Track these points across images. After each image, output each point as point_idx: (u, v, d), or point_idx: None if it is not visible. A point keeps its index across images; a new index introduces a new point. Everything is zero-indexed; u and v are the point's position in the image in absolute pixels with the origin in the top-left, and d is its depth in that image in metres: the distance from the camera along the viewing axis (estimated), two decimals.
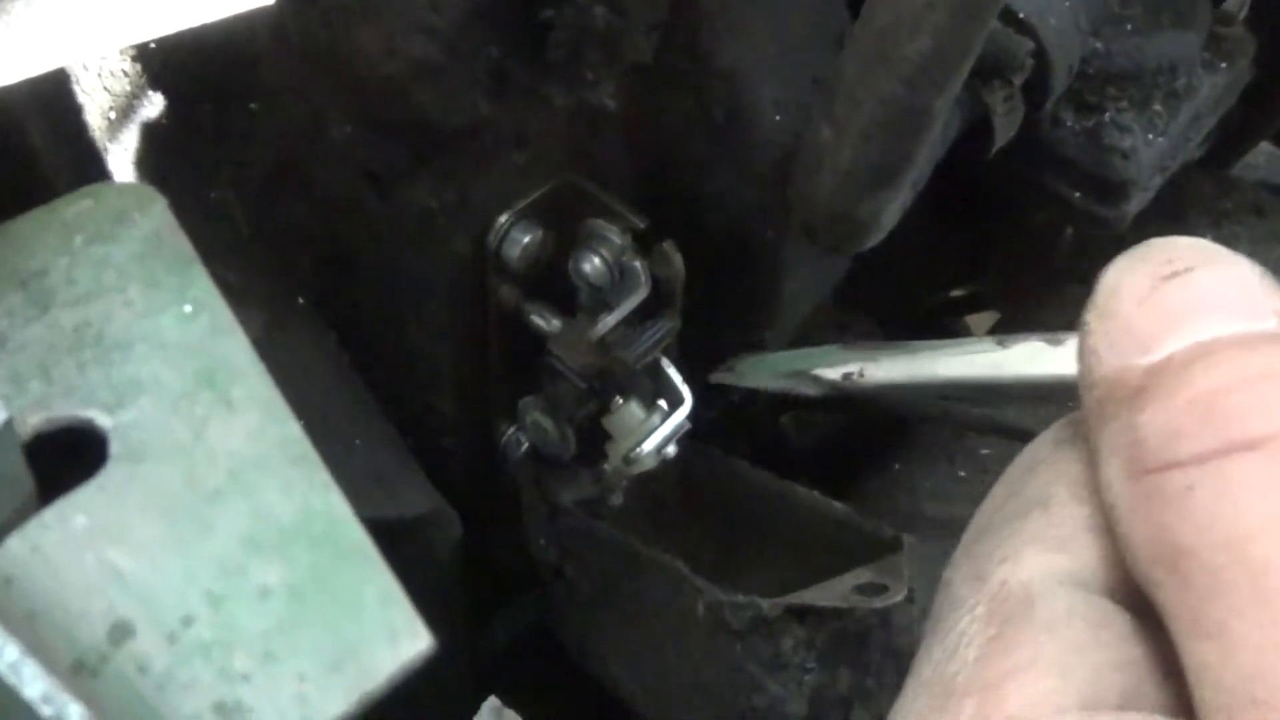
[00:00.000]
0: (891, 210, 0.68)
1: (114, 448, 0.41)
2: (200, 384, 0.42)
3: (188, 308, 0.44)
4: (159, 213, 0.46)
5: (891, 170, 0.64)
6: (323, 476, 0.41)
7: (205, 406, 0.42)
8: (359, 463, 0.74)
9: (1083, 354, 0.35)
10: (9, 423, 0.39)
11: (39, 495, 0.41)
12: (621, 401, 0.76)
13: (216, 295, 0.44)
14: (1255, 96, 0.98)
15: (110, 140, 0.71)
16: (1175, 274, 0.34)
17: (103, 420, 0.41)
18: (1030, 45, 0.78)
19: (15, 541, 0.39)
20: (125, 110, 0.70)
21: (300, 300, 0.76)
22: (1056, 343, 0.61)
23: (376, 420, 0.77)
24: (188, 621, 0.38)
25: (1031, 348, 0.62)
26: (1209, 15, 0.91)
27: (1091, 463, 0.35)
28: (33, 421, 0.41)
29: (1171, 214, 1.00)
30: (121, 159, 0.71)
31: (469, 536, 0.78)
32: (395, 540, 0.73)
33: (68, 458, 0.42)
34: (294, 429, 0.42)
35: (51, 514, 0.39)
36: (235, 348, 0.43)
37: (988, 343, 0.65)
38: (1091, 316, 0.35)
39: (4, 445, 0.39)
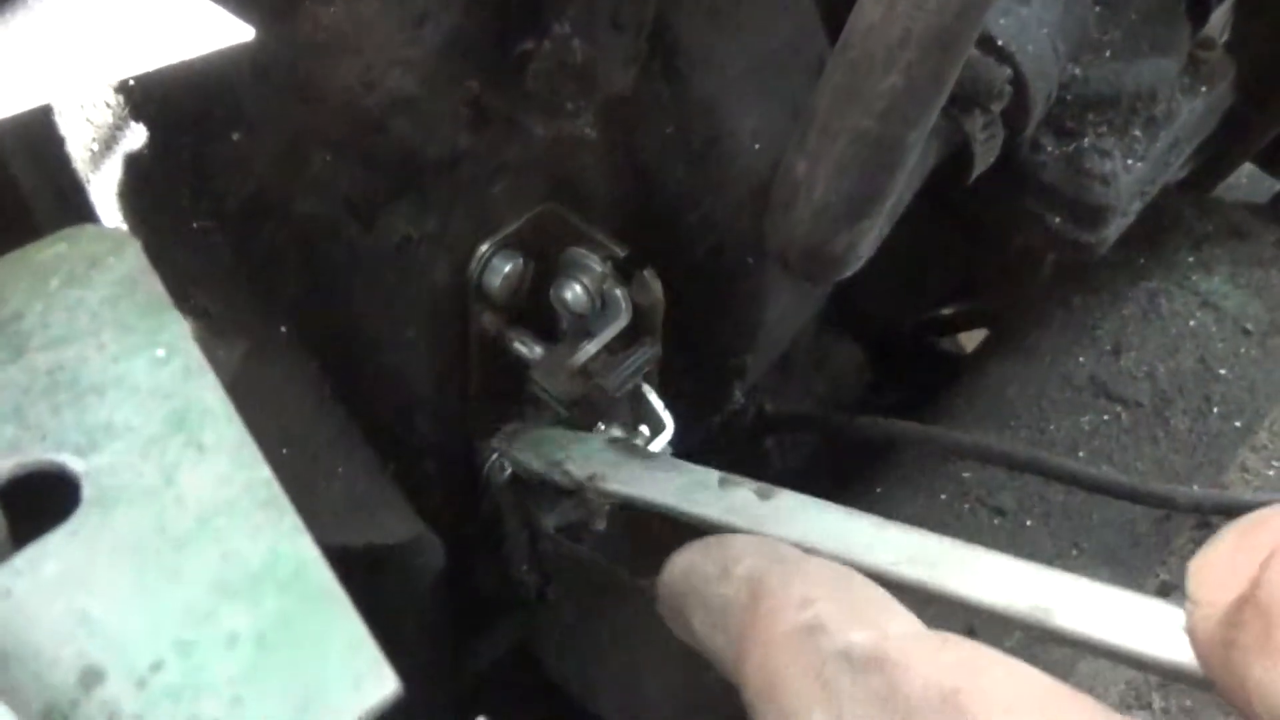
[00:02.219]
0: (867, 242, 0.68)
1: (86, 492, 0.41)
2: (171, 428, 0.43)
3: (160, 352, 0.44)
4: (132, 256, 0.47)
5: (865, 203, 0.65)
6: (291, 520, 0.42)
7: (176, 451, 0.42)
8: (341, 490, 0.75)
9: None
10: None
11: (11, 537, 0.42)
12: (603, 426, 0.77)
13: (189, 338, 0.45)
14: (1236, 120, 0.99)
15: (92, 171, 0.72)
16: None
17: (75, 464, 0.42)
18: (1009, 73, 0.79)
19: None
20: (108, 141, 0.71)
21: (282, 328, 0.76)
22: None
23: (358, 447, 0.77)
24: (157, 667, 0.38)
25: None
26: (1188, 40, 0.91)
27: None
28: (6, 466, 0.42)
29: (1152, 238, 1.00)
30: (104, 190, 0.72)
31: (451, 559, 0.79)
32: (378, 567, 0.75)
33: (40, 499, 0.43)
34: (263, 472, 0.42)
35: (23, 559, 0.40)
36: (206, 391, 0.44)
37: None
38: None
39: None
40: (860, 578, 0.53)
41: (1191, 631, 0.45)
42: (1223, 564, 0.44)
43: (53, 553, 0.40)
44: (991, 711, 0.43)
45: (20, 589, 0.39)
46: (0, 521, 0.41)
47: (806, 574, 0.53)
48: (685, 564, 0.60)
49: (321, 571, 0.41)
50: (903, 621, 0.50)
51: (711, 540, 0.61)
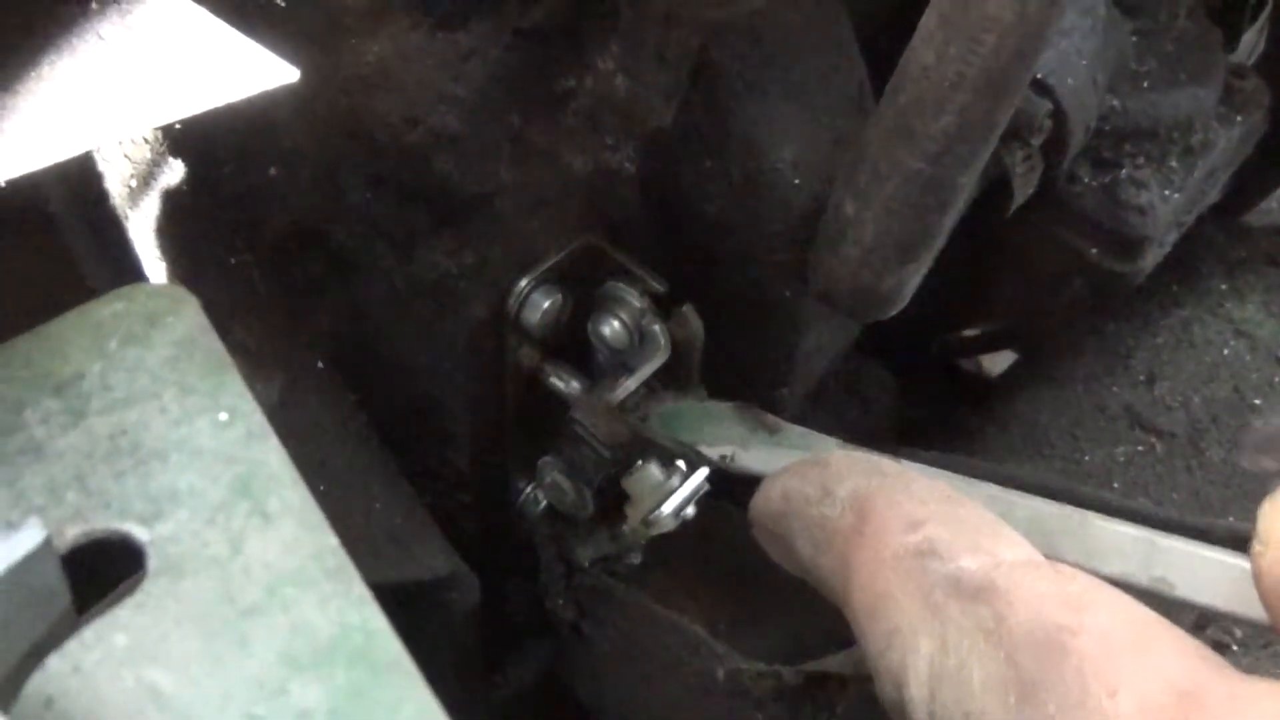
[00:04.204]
0: (913, 282, 0.68)
1: (152, 562, 0.41)
2: (236, 494, 0.42)
3: (223, 415, 0.44)
4: (191, 314, 0.46)
5: (915, 245, 0.64)
6: (359, 589, 0.41)
7: (242, 518, 0.42)
8: (378, 524, 0.74)
9: None
10: (48, 540, 0.39)
11: (75, 605, 0.41)
12: (641, 463, 0.76)
13: (250, 400, 0.44)
14: (1270, 146, 0.98)
15: (131, 207, 0.71)
16: None
17: (140, 533, 0.41)
18: (1049, 106, 0.78)
19: (56, 661, 0.39)
20: (146, 177, 0.70)
21: (318, 361, 0.75)
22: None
23: (395, 481, 0.77)
24: None
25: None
26: (1224, 69, 0.91)
27: None
28: (71, 535, 0.41)
29: (1185, 264, 1.00)
30: (142, 225, 0.71)
31: (484, 589, 0.78)
32: (413, 601, 0.74)
33: (103, 562, 0.42)
34: (330, 539, 0.42)
35: (92, 633, 0.39)
36: (270, 455, 0.43)
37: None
38: None
39: (42, 562, 0.39)
40: (968, 500, 0.52)
41: (1258, 572, 0.43)
42: None
43: (121, 625, 0.39)
44: (1095, 655, 0.41)
45: (89, 663, 0.39)
46: (65, 592, 0.40)
47: (913, 494, 0.52)
48: (782, 487, 0.59)
49: (391, 642, 0.41)
50: (1014, 547, 0.49)
51: (807, 462, 0.60)
